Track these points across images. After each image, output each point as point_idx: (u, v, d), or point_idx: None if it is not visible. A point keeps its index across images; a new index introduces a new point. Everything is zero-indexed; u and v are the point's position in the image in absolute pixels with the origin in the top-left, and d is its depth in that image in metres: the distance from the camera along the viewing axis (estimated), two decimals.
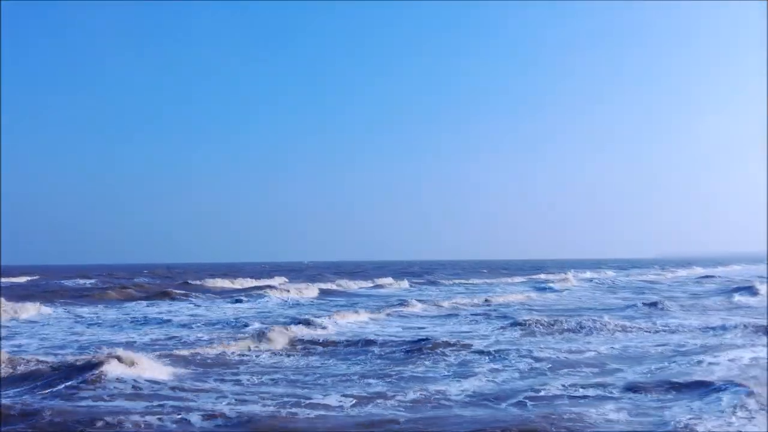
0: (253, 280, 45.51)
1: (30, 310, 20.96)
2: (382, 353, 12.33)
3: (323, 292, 34.23)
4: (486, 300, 26.68)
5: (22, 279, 56.77)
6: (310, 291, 34.21)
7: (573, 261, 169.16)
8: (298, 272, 70.89)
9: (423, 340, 13.23)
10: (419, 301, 23.77)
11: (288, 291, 32.27)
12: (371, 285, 41.72)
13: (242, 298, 29.24)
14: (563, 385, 8.96)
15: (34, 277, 60.68)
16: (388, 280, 44.58)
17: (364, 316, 18.60)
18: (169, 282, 44.89)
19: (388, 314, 19.83)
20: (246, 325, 16.95)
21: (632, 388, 8.65)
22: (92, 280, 52.11)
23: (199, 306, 25.93)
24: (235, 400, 8.45)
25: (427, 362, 11.17)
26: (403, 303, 22.58)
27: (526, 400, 8.19)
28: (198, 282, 42.64)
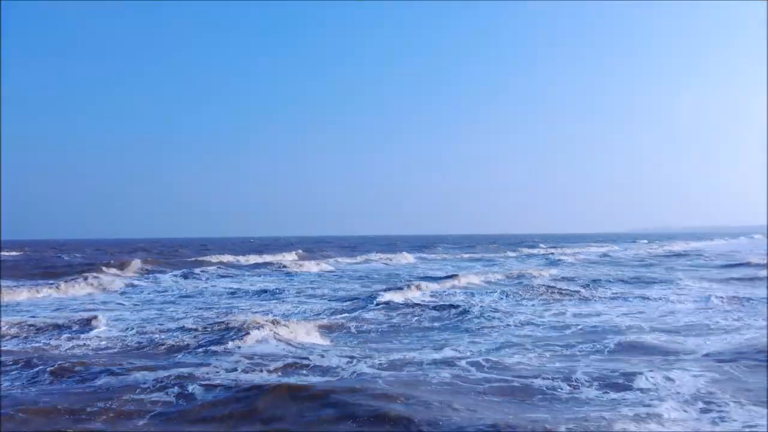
0: (269, 255, 44.94)
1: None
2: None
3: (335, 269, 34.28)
4: (509, 273, 26.96)
5: (16, 253, 55.44)
6: (327, 266, 34.23)
7: (555, 236, 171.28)
8: (292, 246, 70.36)
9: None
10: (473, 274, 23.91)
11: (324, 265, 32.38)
12: (384, 259, 41.68)
13: (286, 271, 29.20)
14: None
15: (25, 252, 59.30)
16: (403, 255, 44.48)
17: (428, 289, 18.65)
18: (179, 257, 44.16)
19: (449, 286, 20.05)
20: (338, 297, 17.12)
21: None
22: (78, 255, 51.29)
23: (244, 279, 25.80)
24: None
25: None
26: (454, 276, 22.66)
27: None
28: (207, 258, 42.05)
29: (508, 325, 12.18)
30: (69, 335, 11.50)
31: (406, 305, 15.00)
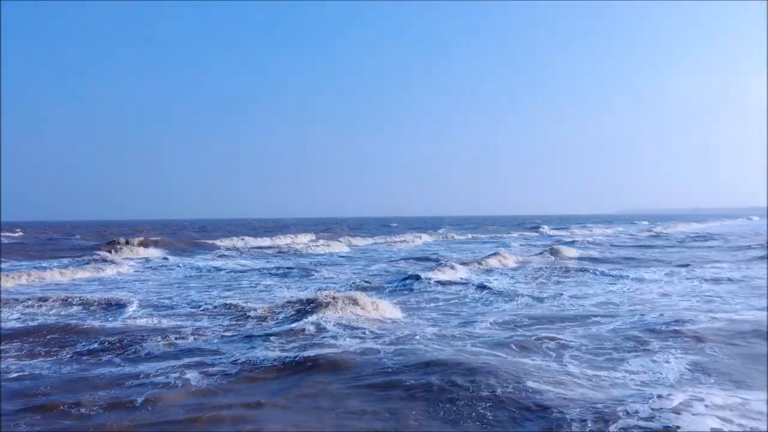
0: (282, 237, 44.14)
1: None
2: None
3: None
4: (527, 256, 26.49)
5: (14, 234, 54.44)
6: (343, 247, 33.88)
7: (547, 217, 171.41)
8: (289, 228, 69.66)
9: None
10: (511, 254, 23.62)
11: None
12: (398, 241, 41.16)
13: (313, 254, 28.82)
14: None
15: (24, 233, 58.32)
16: (411, 235, 43.97)
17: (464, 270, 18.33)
18: (188, 240, 43.38)
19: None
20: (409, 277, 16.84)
21: None
22: (77, 237, 50.54)
23: (268, 261, 25.32)
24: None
25: None
26: (495, 255, 22.71)
27: None
28: (217, 240, 41.22)
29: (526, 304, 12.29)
30: (102, 316, 11.27)
31: (440, 283, 15.18)
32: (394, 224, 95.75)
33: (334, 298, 10.46)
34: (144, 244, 30.36)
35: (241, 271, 20.71)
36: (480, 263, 20.63)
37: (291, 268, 21.15)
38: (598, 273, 17.71)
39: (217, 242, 39.07)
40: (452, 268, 17.81)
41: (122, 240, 31.73)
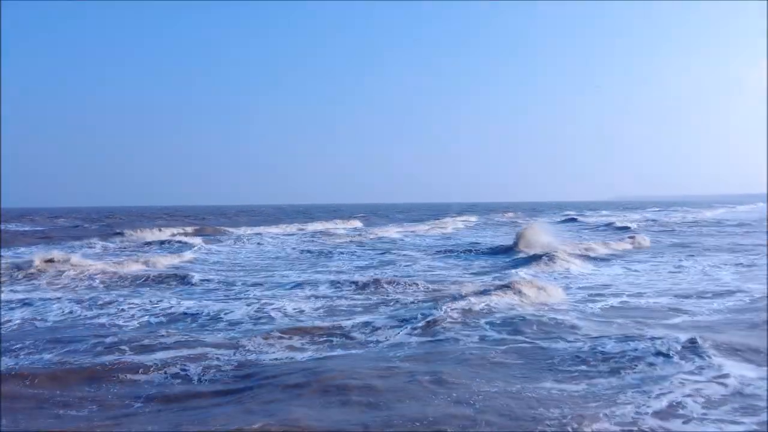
0: (325, 222, 42.55)
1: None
2: None
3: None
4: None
5: (25, 221, 52.34)
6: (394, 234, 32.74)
7: (546, 203, 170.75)
8: (312, 214, 68.22)
9: None
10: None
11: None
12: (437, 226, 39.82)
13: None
14: None
15: (33, 220, 56.14)
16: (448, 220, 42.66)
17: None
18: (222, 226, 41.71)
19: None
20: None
21: None
22: (92, 225, 48.76)
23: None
24: None
25: None
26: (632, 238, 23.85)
27: None
28: (230, 228, 39.40)
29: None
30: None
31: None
32: (402, 212, 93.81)
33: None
34: (201, 232, 29.31)
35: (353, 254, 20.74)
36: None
37: (386, 251, 21.25)
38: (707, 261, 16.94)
39: (272, 229, 37.31)
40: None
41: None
